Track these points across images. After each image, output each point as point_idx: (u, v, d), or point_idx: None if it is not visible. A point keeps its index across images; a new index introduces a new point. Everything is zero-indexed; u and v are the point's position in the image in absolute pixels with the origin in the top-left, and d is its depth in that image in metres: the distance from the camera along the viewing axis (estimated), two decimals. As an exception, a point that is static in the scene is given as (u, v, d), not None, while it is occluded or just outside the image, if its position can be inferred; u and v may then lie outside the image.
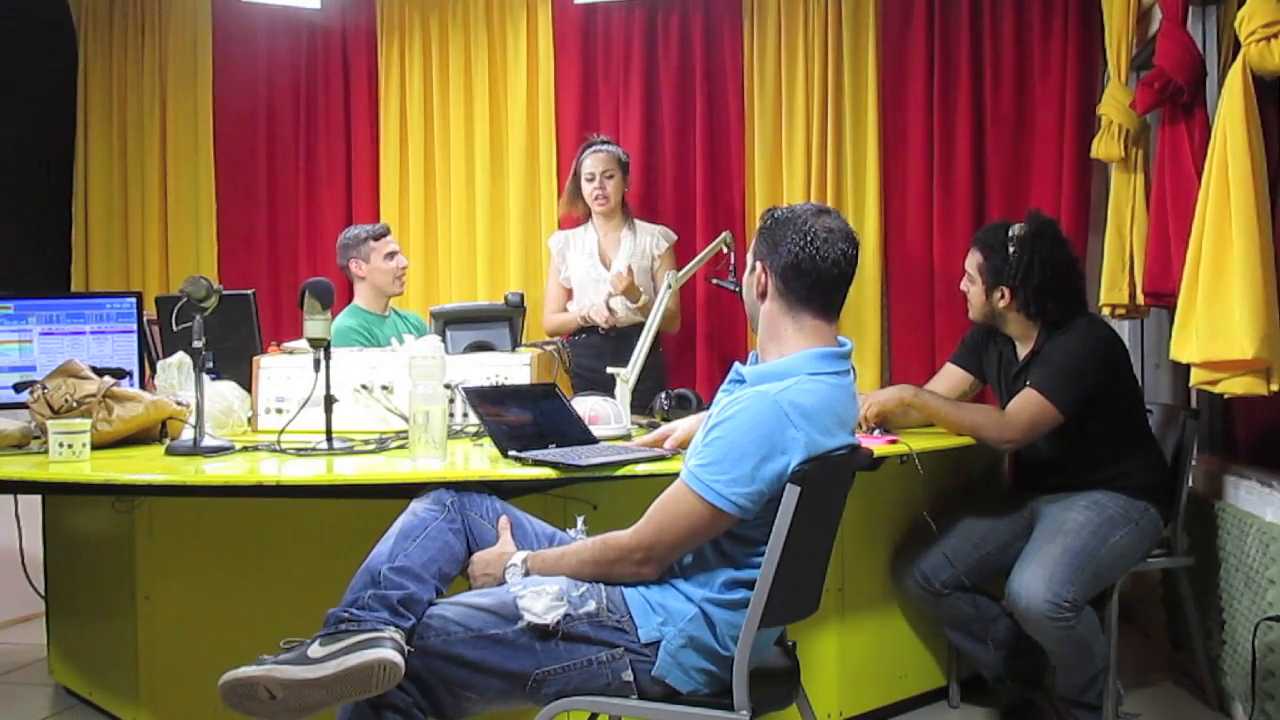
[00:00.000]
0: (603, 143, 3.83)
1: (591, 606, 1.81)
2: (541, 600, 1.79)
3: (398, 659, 1.68)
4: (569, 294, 3.91)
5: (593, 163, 3.78)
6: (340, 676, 1.66)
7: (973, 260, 2.74)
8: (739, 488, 1.73)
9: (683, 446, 2.23)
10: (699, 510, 1.75)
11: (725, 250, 3.04)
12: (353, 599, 1.79)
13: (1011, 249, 2.66)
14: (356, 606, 1.77)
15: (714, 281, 3.16)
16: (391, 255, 3.72)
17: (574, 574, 1.85)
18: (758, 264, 1.90)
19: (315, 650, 1.70)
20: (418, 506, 1.95)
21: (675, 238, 3.91)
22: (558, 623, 1.78)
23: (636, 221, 3.89)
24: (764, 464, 1.73)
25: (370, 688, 1.68)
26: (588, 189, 3.79)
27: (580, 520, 2.07)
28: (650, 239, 3.84)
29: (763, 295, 1.89)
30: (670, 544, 1.80)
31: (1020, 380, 2.69)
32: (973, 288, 2.75)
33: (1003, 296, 2.68)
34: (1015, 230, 2.68)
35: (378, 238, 3.71)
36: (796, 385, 1.78)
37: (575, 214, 3.93)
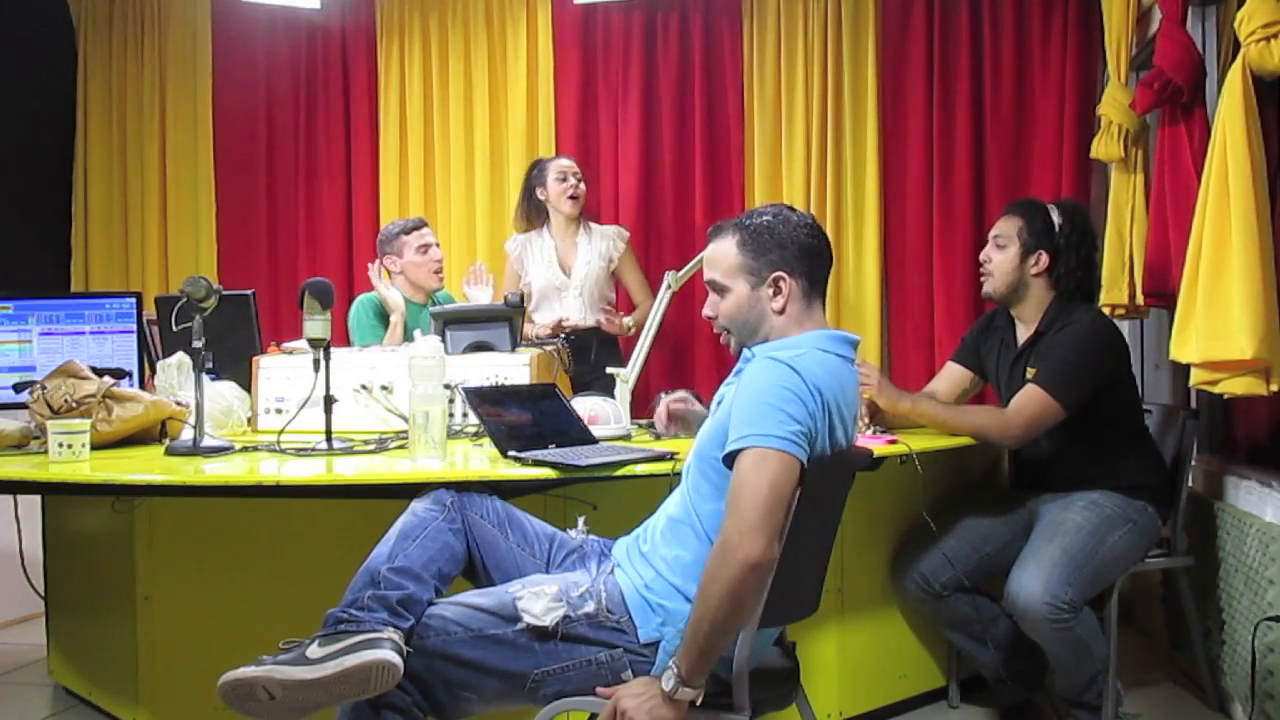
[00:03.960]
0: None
1: (590, 607, 1.81)
2: (540, 601, 1.79)
3: (396, 660, 1.68)
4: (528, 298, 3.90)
5: (564, 165, 3.83)
6: (339, 677, 1.67)
7: (1009, 225, 2.72)
8: (790, 427, 1.70)
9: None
10: (770, 462, 1.68)
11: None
12: (352, 599, 1.79)
13: (1056, 216, 2.69)
14: (355, 607, 1.77)
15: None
16: (425, 248, 3.63)
17: (698, 627, 1.68)
18: (775, 276, 1.88)
19: (314, 651, 1.71)
20: (418, 507, 1.95)
21: (629, 234, 3.97)
22: (557, 624, 1.78)
23: (592, 225, 3.90)
24: (797, 408, 1.72)
25: (369, 688, 1.68)
26: (559, 189, 3.79)
27: (581, 521, 2.07)
28: (608, 242, 3.87)
29: (784, 304, 1.89)
30: (763, 511, 1.66)
31: (1020, 364, 2.70)
32: (1001, 254, 2.72)
33: (1038, 261, 2.68)
34: (1053, 204, 2.74)
35: (409, 231, 3.64)
36: (808, 355, 1.80)
37: (532, 227, 3.91)
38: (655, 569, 1.86)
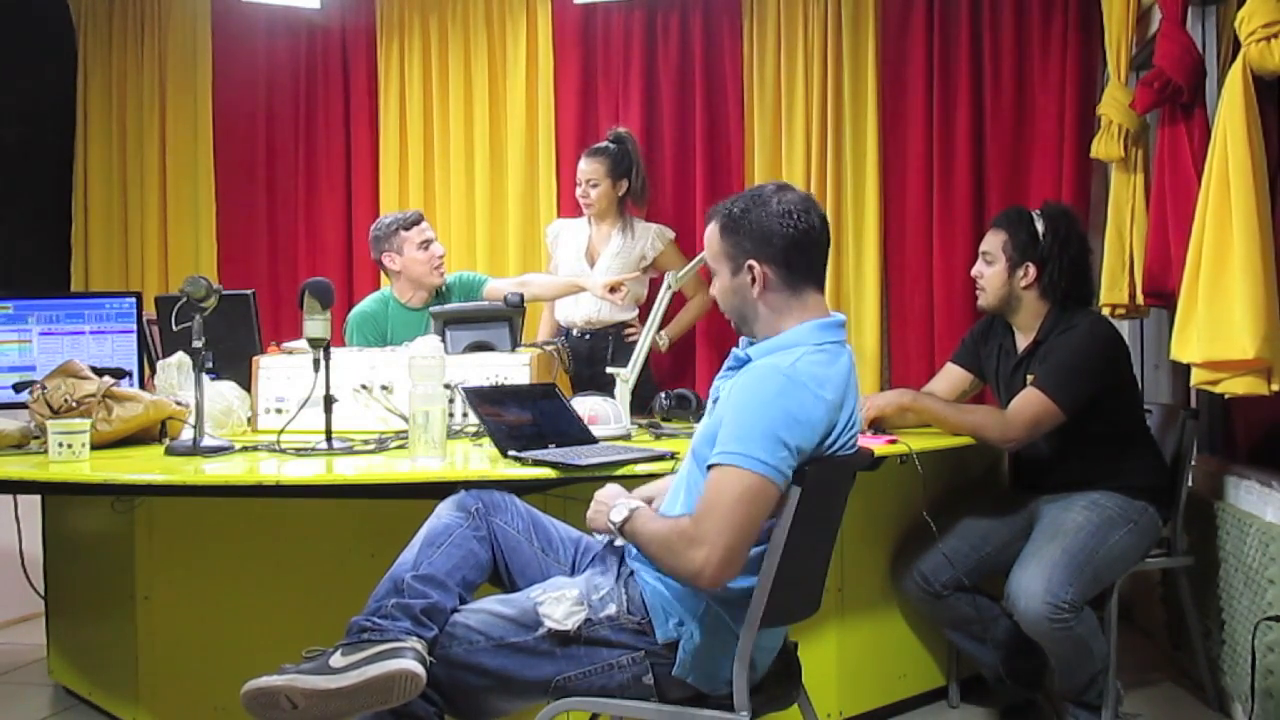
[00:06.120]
0: (599, 148, 3.81)
1: (612, 610, 1.81)
2: (561, 606, 1.79)
3: (419, 670, 1.68)
4: None
5: (581, 169, 3.79)
6: (362, 687, 1.66)
7: (994, 240, 2.73)
8: (780, 454, 1.68)
9: None
10: (748, 485, 1.67)
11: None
12: (376, 607, 1.78)
13: (1040, 225, 2.68)
14: (379, 615, 1.76)
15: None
16: (426, 244, 3.51)
17: (647, 545, 1.78)
18: (748, 263, 1.84)
19: (337, 660, 1.70)
20: (442, 512, 1.93)
21: (672, 234, 3.90)
22: (579, 628, 1.78)
23: (636, 222, 3.87)
24: (793, 431, 1.70)
25: (392, 698, 1.68)
26: (577, 192, 3.81)
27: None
28: (645, 240, 3.82)
29: (762, 291, 1.85)
30: (737, 537, 1.67)
31: (1019, 372, 2.69)
32: (991, 269, 2.73)
33: (1025, 274, 2.68)
34: (1039, 211, 2.72)
35: (409, 226, 3.50)
36: (805, 356, 1.77)
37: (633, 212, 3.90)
38: None
